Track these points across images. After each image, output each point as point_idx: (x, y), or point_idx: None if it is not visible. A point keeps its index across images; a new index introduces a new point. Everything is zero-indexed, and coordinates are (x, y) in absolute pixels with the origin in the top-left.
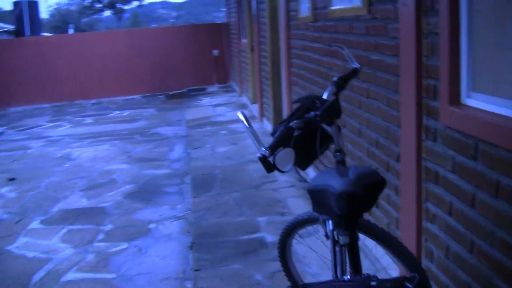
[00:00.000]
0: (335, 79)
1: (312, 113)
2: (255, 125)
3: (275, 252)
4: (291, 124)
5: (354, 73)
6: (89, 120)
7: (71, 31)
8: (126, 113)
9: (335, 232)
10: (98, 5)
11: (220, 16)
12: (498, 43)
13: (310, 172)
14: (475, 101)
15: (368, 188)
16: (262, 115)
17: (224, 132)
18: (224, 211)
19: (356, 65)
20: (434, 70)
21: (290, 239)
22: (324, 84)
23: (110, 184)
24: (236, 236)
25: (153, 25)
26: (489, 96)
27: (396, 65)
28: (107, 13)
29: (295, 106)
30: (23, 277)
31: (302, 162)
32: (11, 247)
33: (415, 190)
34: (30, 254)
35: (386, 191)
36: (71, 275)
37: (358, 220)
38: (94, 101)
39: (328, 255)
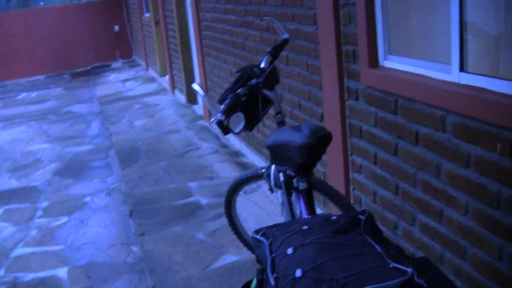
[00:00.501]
0: (269, 49)
1: (254, 81)
2: (168, 97)
3: (211, 213)
4: (238, 91)
5: (285, 42)
6: None
7: None
8: (34, 94)
9: (294, 180)
10: None
11: None
12: (409, 10)
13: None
14: (392, 63)
15: (320, 141)
16: (173, 87)
17: (138, 106)
18: (155, 179)
19: (286, 35)
20: (352, 37)
21: (235, 196)
22: (240, 54)
23: (36, 164)
24: (171, 201)
25: (40, 4)
26: (404, 58)
27: (314, 33)
28: None
29: (236, 75)
30: None
31: (248, 124)
32: None
33: (341, 145)
34: None
35: None
36: (19, 251)
37: (313, 168)
38: None
39: (268, 208)
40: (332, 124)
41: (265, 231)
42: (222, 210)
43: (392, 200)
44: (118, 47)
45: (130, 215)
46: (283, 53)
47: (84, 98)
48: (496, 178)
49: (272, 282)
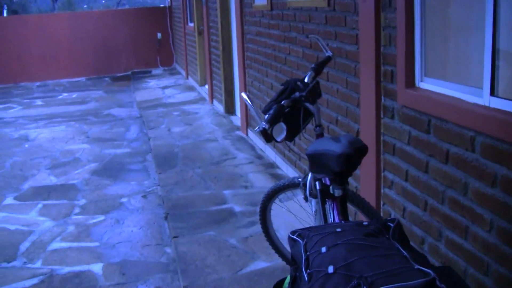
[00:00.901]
0: (313, 66)
1: (297, 94)
2: (206, 107)
3: (244, 221)
4: (282, 102)
5: (328, 60)
6: (39, 102)
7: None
8: (74, 95)
9: (331, 187)
10: None
11: None
12: (445, 36)
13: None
14: (427, 84)
15: (358, 151)
16: (212, 97)
17: (177, 113)
18: (191, 185)
19: (329, 53)
20: (391, 58)
21: (270, 204)
22: (282, 68)
23: (75, 163)
24: (206, 207)
25: (84, 7)
26: (439, 80)
27: (355, 52)
28: None
29: (281, 87)
30: (9, 248)
31: (289, 135)
32: None
33: (375, 161)
34: (12, 227)
35: None
36: (56, 245)
37: (348, 178)
38: (38, 83)
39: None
40: (367, 140)
41: (301, 232)
42: (255, 218)
43: (421, 216)
44: (159, 54)
45: (165, 218)
46: (324, 70)
47: (124, 102)
48: None
49: (306, 278)
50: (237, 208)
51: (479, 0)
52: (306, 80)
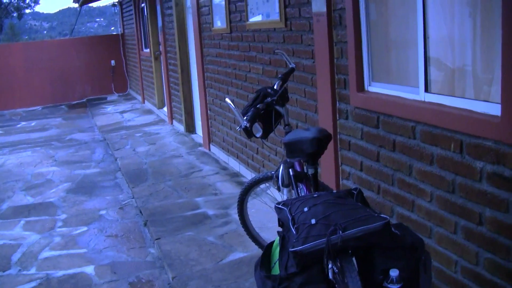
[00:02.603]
0: (280, 76)
1: (269, 99)
2: (167, 127)
3: (218, 222)
4: (258, 106)
5: (291, 71)
6: None
7: None
8: (33, 123)
9: (305, 168)
10: None
11: (94, 26)
12: (387, 47)
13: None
14: (375, 88)
15: (325, 137)
16: (172, 118)
17: (139, 134)
18: (164, 195)
19: (292, 65)
20: (343, 68)
21: (247, 197)
22: (242, 85)
23: (48, 183)
24: (181, 212)
25: (25, 37)
26: (385, 84)
27: (312, 66)
28: None
29: (254, 95)
30: (1, 259)
31: (264, 133)
32: None
33: (333, 157)
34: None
35: None
36: (46, 253)
37: (318, 159)
38: None
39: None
40: None
41: (285, 202)
42: (227, 218)
43: (375, 199)
44: (113, 81)
45: (145, 224)
46: None
47: (84, 128)
48: (452, 169)
49: (294, 231)
50: (210, 212)
51: (413, 19)
52: (275, 87)
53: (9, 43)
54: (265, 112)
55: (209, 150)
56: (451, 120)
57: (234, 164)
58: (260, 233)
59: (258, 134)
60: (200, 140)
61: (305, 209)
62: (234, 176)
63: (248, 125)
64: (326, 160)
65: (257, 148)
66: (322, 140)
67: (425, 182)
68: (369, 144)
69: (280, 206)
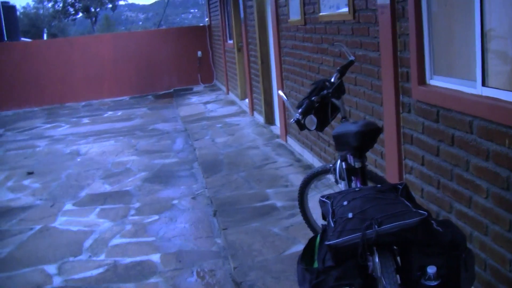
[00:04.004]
0: (338, 68)
1: (325, 91)
2: (247, 118)
3: (285, 213)
4: (313, 98)
5: (350, 63)
6: (85, 120)
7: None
8: (119, 113)
9: (351, 161)
10: (71, 9)
11: (189, 17)
12: (449, 40)
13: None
14: (436, 81)
15: (372, 131)
16: (252, 109)
17: (220, 125)
18: (236, 186)
19: (352, 57)
20: (406, 61)
21: (307, 189)
22: (316, 77)
23: (126, 172)
24: (250, 204)
25: (122, 28)
26: (445, 77)
27: (377, 58)
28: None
29: (312, 86)
30: (74, 245)
31: (319, 126)
32: (54, 224)
33: (396, 151)
34: (74, 228)
35: (373, 156)
36: (116, 241)
37: (365, 152)
38: (83, 103)
39: None
40: (390, 134)
41: (329, 195)
42: (295, 211)
43: (435, 193)
44: (200, 72)
45: (214, 214)
46: (352, 75)
47: (168, 118)
48: (507, 166)
49: (332, 224)
50: (279, 204)
51: (471, 11)
52: (332, 80)
53: (99, 34)
54: (321, 105)
55: (286, 142)
56: (507, 115)
57: (308, 156)
58: (321, 224)
59: (313, 127)
60: (278, 132)
61: (345, 202)
62: (307, 168)
63: (300, 117)
64: (390, 154)
65: (329, 141)
66: (366, 134)
67: (482, 178)
68: (430, 139)
69: (324, 199)
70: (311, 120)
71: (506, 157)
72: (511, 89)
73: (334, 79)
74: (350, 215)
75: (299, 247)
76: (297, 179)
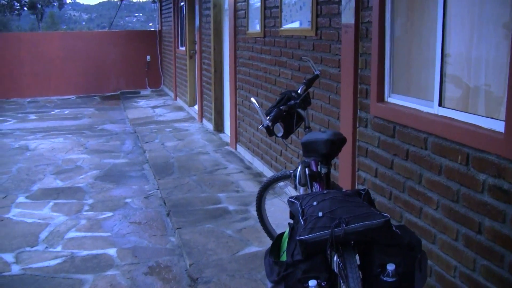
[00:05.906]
0: (304, 81)
1: (292, 101)
2: (196, 125)
3: (238, 217)
4: (281, 107)
5: (316, 77)
6: (32, 116)
7: None
8: (66, 111)
9: (319, 167)
10: (17, 4)
11: (133, 21)
12: (409, 62)
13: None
14: (394, 99)
15: (339, 140)
16: (202, 116)
17: (169, 129)
18: (188, 189)
19: (317, 72)
20: (366, 78)
21: (265, 193)
22: (271, 88)
23: (77, 170)
24: (203, 206)
25: (63, 27)
26: (403, 96)
27: (337, 74)
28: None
29: (279, 97)
30: (30, 236)
31: (285, 133)
32: (8, 215)
33: (350, 163)
34: (29, 220)
35: None
36: (72, 234)
37: (332, 160)
38: (29, 99)
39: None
40: (345, 147)
41: (297, 196)
42: (247, 215)
43: (387, 204)
44: (148, 76)
45: (168, 214)
46: (311, 90)
47: (116, 119)
48: (457, 180)
49: (302, 222)
50: (231, 207)
51: (433, 37)
52: (299, 91)
53: (49, 32)
54: (288, 114)
55: (235, 149)
56: (460, 134)
57: (258, 165)
58: (276, 229)
59: (280, 134)
60: (228, 140)
61: (314, 203)
62: (257, 175)
63: (270, 124)
64: (344, 165)
65: (281, 150)
66: (335, 143)
67: (433, 190)
68: (384, 152)
69: (292, 200)
70: (278, 127)
71: (457, 172)
72: (466, 110)
73: (301, 91)
74: (320, 214)
75: (253, 249)
76: (248, 185)
